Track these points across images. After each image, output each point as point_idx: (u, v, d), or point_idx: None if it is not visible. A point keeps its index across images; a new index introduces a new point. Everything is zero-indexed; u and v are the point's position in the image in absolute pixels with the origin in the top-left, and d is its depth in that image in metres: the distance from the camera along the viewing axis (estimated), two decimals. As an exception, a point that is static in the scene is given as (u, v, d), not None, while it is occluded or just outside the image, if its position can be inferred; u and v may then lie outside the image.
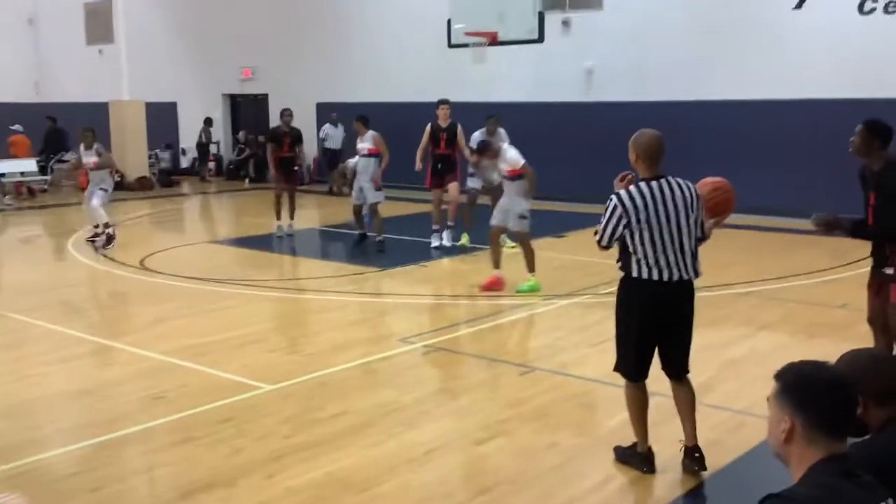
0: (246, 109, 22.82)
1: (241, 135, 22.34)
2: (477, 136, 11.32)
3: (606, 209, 4.41)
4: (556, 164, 16.29)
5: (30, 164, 19.61)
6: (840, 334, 7.24)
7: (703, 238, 4.55)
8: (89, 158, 12.03)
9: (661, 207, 4.35)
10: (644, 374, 4.59)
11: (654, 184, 4.40)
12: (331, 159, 19.01)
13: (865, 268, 5.55)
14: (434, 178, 11.54)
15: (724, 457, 4.76)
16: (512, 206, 8.87)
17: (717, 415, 5.34)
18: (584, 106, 16.15)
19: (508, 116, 16.02)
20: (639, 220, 4.34)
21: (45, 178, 19.93)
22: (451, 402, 5.99)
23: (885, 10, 13.16)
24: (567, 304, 8.66)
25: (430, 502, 4.41)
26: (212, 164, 22.47)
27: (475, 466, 4.95)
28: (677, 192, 4.40)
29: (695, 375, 4.73)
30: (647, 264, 4.38)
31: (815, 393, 2.24)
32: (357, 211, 11.92)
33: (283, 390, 6.09)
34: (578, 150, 16.06)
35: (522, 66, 16.44)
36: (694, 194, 4.46)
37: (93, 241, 11.94)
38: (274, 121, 16.95)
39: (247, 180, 21.27)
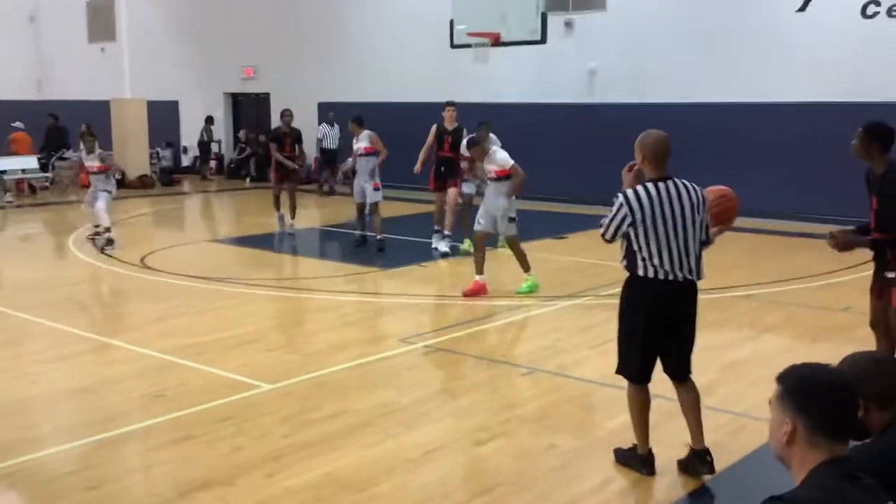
0: (247, 108, 22.83)
1: (242, 134, 22.34)
2: (465, 144, 11.17)
3: (613, 206, 4.44)
4: (557, 165, 16.31)
5: (31, 162, 19.61)
6: (842, 337, 7.22)
7: (707, 242, 4.55)
8: (92, 163, 12.04)
9: (667, 208, 4.36)
10: (648, 376, 4.58)
11: (660, 185, 4.41)
12: (329, 159, 18.97)
13: (867, 271, 5.54)
14: (437, 181, 11.43)
15: (725, 459, 4.74)
16: (498, 209, 8.81)
17: (718, 417, 5.32)
18: (586, 107, 16.14)
19: (510, 117, 16.08)
20: (644, 220, 4.35)
21: (46, 175, 19.92)
22: (451, 402, 5.97)
23: (889, 13, 13.15)
24: (567, 306, 8.64)
25: (428, 503, 4.39)
26: (213, 163, 22.46)
27: (474, 467, 4.94)
28: (684, 194, 4.41)
29: (696, 377, 4.71)
30: (653, 264, 4.39)
31: (816, 396, 2.22)
32: (361, 210, 11.92)
33: (281, 389, 6.07)
34: (580, 152, 16.05)
35: (525, 67, 16.44)
36: (700, 196, 4.47)
37: (93, 239, 11.96)
38: (275, 120, 16.94)
39: (248, 179, 21.27)
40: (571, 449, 5.06)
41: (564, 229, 13.16)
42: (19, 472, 4.77)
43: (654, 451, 4.68)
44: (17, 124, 20.58)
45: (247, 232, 13.90)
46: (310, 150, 18.80)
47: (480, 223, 8.90)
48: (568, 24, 16.17)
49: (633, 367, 4.59)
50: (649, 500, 4.58)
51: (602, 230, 4.54)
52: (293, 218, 13.25)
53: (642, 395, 4.61)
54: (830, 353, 3.08)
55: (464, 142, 10.76)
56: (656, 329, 4.47)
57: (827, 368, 2.31)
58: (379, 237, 11.71)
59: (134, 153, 19.91)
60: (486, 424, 5.41)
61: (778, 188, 13.63)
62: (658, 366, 4.61)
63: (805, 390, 2.24)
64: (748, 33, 14.29)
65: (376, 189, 11.65)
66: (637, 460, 4.66)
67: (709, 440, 4.65)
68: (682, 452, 4.69)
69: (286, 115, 13.36)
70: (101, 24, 24.44)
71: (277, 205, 13.32)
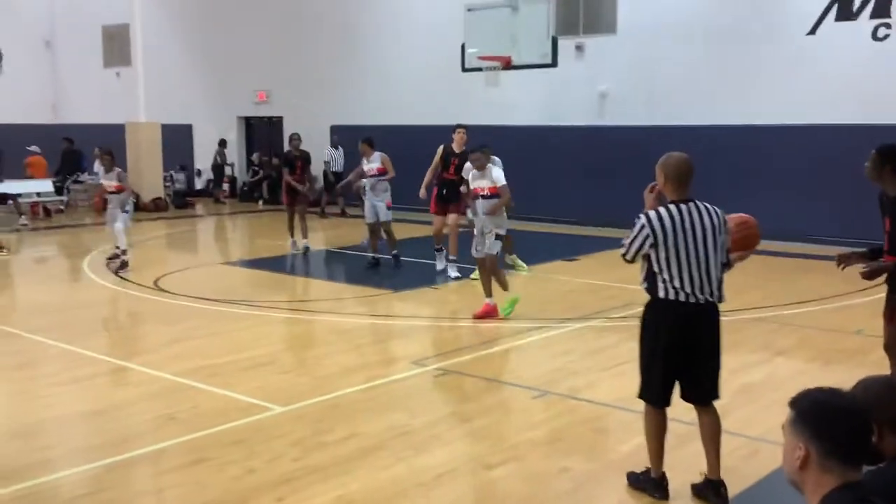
0: (260, 132, 22.99)
1: (255, 157, 22.48)
2: (469, 166, 11.05)
3: (635, 226, 4.45)
4: (568, 187, 16.35)
5: (46, 185, 19.79)
6: (855, 361, 7.18)
7: (727, 265, 4.55)
8: (110, 182, 12.11)
9: (688, 230, 4.37)
10: (668, 400, 4.55)
11: (682, 206, 4.42)
12: (335, 182, 18.94)
13: (879, 294, 5.52)
14: (438, 204, 11.27)
15: (739, 484, 4.71)
16: (487, 227, 8.81)
17: (731, 441, 5.28)
18: (596, 129, 16.18)
19: (522, 140, 16.15)
20: (665, 241, 4.36)
21: (61, 198, 20.09)
22: (462, 425, 5.96)
23: (900, 35, 13.17)
24: (579, 328, 8.62)
25: (440, 527, 4.38)
26: (226, 186, 22.60)
27: (486, 491, 4.92)
28: (705, 216, 4.42)
29: (709, 401, 4.69)
30: (674, 286, 4.38)
31: (830, 420, 2.22)
32: (372, 230, 12.07)
33: (294, 412, 6.08)
34: (591, 174, 16.08)
35: (536, 90, 16.52)
36: (721, 219, 4.48)
37: (111, 260, 12.03)
38: (288, 143, 17.06)
39: (260, 202, 21.37)
40: (584, 472, 5.04)
41: (576, 251, 13.17)
42: (32, 495, 4.78)
43: (668, 475, 4.65)
44: (33, 148, 20.80)
45: (259, 254, 13.96)
46: (321, 174, 18.92)
47: (478, 249, 8.89)
48: (578, 48, 16.26)
49: (654, 391, 4.55)
50: (662, 525, 4.55)
51: (623, 250, 4.53)
52: (305, 237, 13.44)
53: (660, 418, 4.58)
54: (843, 377, 3.07)
55: (467, 164, 10.67)
56: (678, 352, 4.44)
57: (840, 393, 2.30)
58: (394, 252, 12.01)
59: (148, 176, 20.06)
60: (497, 447, 5.40)
61: (790, 210, 13.60)
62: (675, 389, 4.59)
63: (818, 415, 2.24)
64: (759, 56, 14.33)
65: (389, 208, 11.93)
66: (651, 484, 4.64)
67: (722, 464, 4.62)
68: (696, 477, 4.66)
69: (294, 138, 13.78)
70: (117, 49, 24.72)
71: (292, 230, 13.52)
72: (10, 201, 17.37)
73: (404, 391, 6.76)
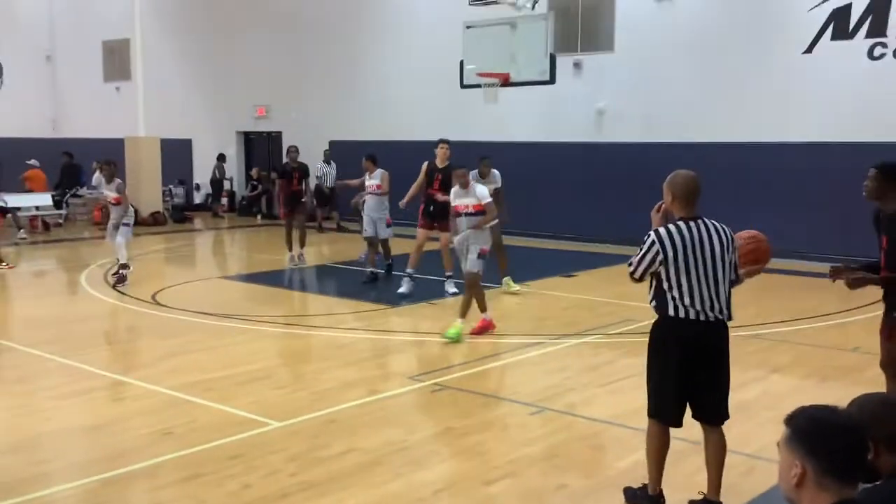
0: (259, 147, 23.05)
1: (254, 171, 22.53)
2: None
3: (643, 244, 4.44)
4: (566, 203, 16.39)
5: (45, 199, 19.81)
6: (852, 378, 7.19)
7: (736, 281, 4.56)
8: (109, 193, 12.11)
9: (697, 247, 4.38)
10: (682, 419, 4.53)
11: (691, 223, 4.43)
12: (327, 197, 18.95)
13: (875, 311, 5.53)
14: (424, 219, 11.17)
15: (735, 501, 4.71)
16: (471, 244, 8.73)
17: (728, 458, 5.24)
18: (594, 146, 16.25)
19: (520, 156, 16.20)
20: (675, 259, 4.35)
21: (59, 212, 20.10)
22: (460, 441, 5.95)
23: (895, 55, 13.24)
24: (576, 344, 8.63)
25: (437, 543, 4.37)
26: (224, 201, 22.64)
27: (483, 507, 4.91)
28: (714, 234, 4.43)
29: (705, 418, 4.69)
30: (684, 304, 4.38)
31: (826, 438, 2.23)
32: (371, 243, 12.23)
33: (290, 427, 6.07)
34: (589, 190, 16.14)
35: (534, 107, 16.59)
36: (729, 237, 4.50)
37: (114, 276, 12.00)
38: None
39: (259, 216, 21.41)
40: (581, 489, 5.04)
41: (573, 267, 13.19)
42: (29, 509, 4.77)
43: (665, 492, 4.65)
44: (32, 162, 20.84)
45: (257, 269, 13.97)
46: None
47: (473, 265, 8.75)
48: (577, 65, 16.34)
49: (669, 410, 4.51)
50: (659, 542, 4.54)
51: (631, 268, 4.50)
52: (302, 247, 13.63)
53: (665, 437, 4.57)
54: (839, 394, 3.09)
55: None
56: (690, 370, 4.41)
57: (836, 410, 2.31)
58: (388, 262, 12.30)
59: (147, 190, 20.08)
60: (495, 463, 5.39)
61: (786, 227, 13.60)
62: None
63: (814, 433, 2.25)
64: (755, 74, 14.41)
65: (388, 226, 12.17)
66: (649, 501, 4.63)
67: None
68: (693, 494, 4.66)
69: (292, 150, 13.99)
70: (117, 64, 24.82)
71: (290, 244, 13.64)
72: (9, 214, 17.38)
73: (402, 407, 6.76)
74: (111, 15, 23.82)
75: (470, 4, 14.37)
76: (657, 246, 4.39)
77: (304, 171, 13.81)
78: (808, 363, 7.89)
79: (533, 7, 13.37)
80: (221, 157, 22.65)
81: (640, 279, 4.51)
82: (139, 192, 19.58)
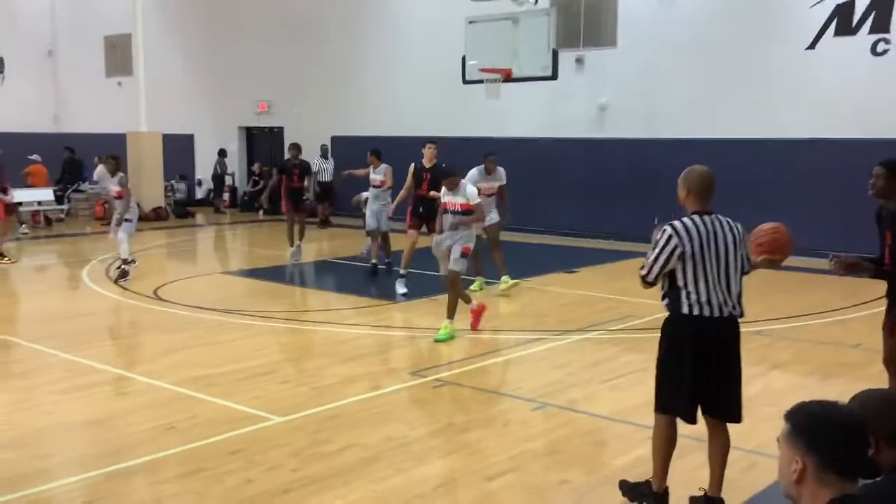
0: (261, 142, 23.05)
1: (255, 167, 22.53)
2: (474, 173, 10.71)
3: (658, 241, 4.35)
4: (567, 199, 16.39)
5: (47, 194, 19.82)
6: (854, 374, 7.19)
7: (748, 269, 4.52)
8: (112, 187, 12.10)
9: (712, 241, 4.35)
10: (696, 415, 4.49)
11: (706, 218, 4.39)
12: (324, 192, 18.95)
13: (878, 308, 5.53)
14: (413, 220, 10.95)
15: (736, 497, 4.71)
16: (456, 243, 8.59)
17: (729, 454, 5.28)
18: (596, 142, 16.23)
19: (521, 152, 16.18)
20: (693, 254, 4.31)
21: (61, 207, 20.11)
22: (461, 436, 5.96)
23: (898, 50, 13.23)
24: (578, 340, 8.63)
25: (438, 538, 4.38)
26: (226, 196, 22.65)
27: (485, 503, 4.92)
28: (727, 229, 4.41)
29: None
30: (699, 301, 4.33)
31: (826, 433, 2.23)
32: (373, 236, 12.38)
33: (292, 422, 6.08)
34: (590, 186, 16.13)
35: (536, 103, 16.58)
36: (741, 233, 4.47)
37: (118, 271, 11.96)
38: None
39: (261, 212, 21.40)
40: (583, 484, 5.04)
41: (574, 263, 13.18)
42: (31, 504, 4.78)
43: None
44: (34, 157, 20.84)
45: (259, 264, 13.98)
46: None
47: (455, 264, 8.62)
48: (579, 61, 16.32)
49: (685, 407, 4.45)
50: (660, 538, 4.54)
51: (644, 270, 4.39)
52: (301, 239, 13.73)
53: (673, 432, 4.53)
54: (841, 390, 3.09)
55: (469, 174, 10.45)
56: (705, 367, 4.37)
57: (836, 406, 2.31)
58: (387, 259, 12.35)
59: (149, 186, 20.09)
60: (496, 459, 5.40)
61: (788, 224, 13.50)
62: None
63: (814, 428, 2.25)
64: (758, 69, 14.38)
65: (390, 219, 12.34)
66: (653, 498, 4.59)
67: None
68: (693, 490, 4.66)
69: (293, 147, 14.09)
70: (118, 59, 24.80)
71: (291, 239, 13.73)
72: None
73: (403, 402, 6.77)
74: (112, 10, 23.80)
75: (472, 0, 14.34)
76: (675, 239, 4.31)
77: (304, 168, 13.95)
78: (810, 359, 7.89)
79: (535, 2, 13.34)
80: (222, 153, 22.66)
81: (654, 282, 4.42)
82: (141, 188, 19.58)
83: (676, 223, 4.37)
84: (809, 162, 13.77)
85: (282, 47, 21.21)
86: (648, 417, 4.70)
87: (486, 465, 5.31)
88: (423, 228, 10.88)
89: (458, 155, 11.78)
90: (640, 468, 4.85)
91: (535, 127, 16.92)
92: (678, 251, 4.32)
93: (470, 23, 13.68)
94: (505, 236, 11.42)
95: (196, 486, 4.99)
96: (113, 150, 16.50)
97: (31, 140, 23.03)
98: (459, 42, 13.96)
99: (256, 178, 22.25)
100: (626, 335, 8.69)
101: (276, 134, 22.11)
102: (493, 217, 10.89)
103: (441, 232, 8.82)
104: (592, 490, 4.98)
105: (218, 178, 22.75)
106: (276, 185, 14.41)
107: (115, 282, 11.66)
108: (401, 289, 10.85)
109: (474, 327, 8.82)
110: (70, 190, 20.69)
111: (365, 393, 6.82)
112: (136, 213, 12.38)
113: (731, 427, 4.61)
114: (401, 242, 12.32)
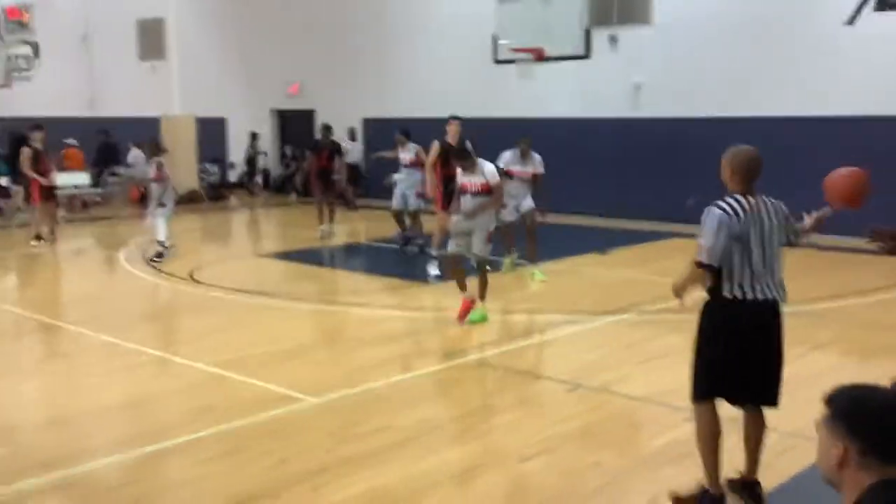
0: (293, 125, 23.12)
1: (288, 150, 22.62)
2: (507, 155, 10.51)
3: (707, 223, 4.18)
4: (602, 179, 16.25)
5: (83, 178, 20.08)
6: (893, 356, 7.07)
7: (796, 242, 4.47)
8: (150, 170, 12.24)
9: (757, 223, 4.22)
10: (738, 396, 4.40)
11: (750, 199, 4.25)
12: (352, 174, 18.94)
13: (920, 288, 5.42)
14: (445, 199, 10.63)
15: (773, 480, 4.67)
16: (477, 227, 8.26)
17: (764, 436, 5.23)
18: (631, 122, 16.05)
19: (555, 132, 16.05)
20: (741, 235, 4.17)
21: (97, 190, 20.38)
22: (495, 418, 5.97)
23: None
24: (612, 321, 8.58)
25: (472, 519, 4.39)
26: (259, 179, 22.80)
27: (518, 484, 4.92)
28: (771, 211, 4.29)
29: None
30: (741, 284, 4.20)
31: (867, 418, 2.19)
32: (397, 216, 12.48)
33: (327, 404, 6.12)
34: (625, 166, 15.97)
35: (569, 82, 16.42)
36: (784, 214, 4.36)
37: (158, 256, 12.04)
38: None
39: (293, 194, 21.51)
40: (616, 467, 5.02)
41: (608, 244, 13.08)
42: (70, 484, 4.87)
43: (691, 470, 4.53)
44: (70, 141, 21.10)
45: (292, 247, 14.06)
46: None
47: (454, 245, 8.37)
48: (612, 39, 16.10)
49: (727, 390, 4.32)
50: (696, 520, 4.51)
51: (703, 256, 4.18)
52: (332, 221, 13.99)
53: (716, 419, 4.33)
54: (880, 373, 3.03)
55: (502, 156, 10.36)
56: (746, 353, 4.26)
57: (877, 389, 2.26)
58: (420, 242, 12.26)
59: (183, 169, 20.23)
60: (530, 441, 5.39)
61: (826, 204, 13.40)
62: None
63: (856, 412, 2.20)
64: (795, 46, 14.11)
65: (418, 196, 12.29)
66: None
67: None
68: (730, 472, 4.61)
69: (325, 128, 14.34)
70: (152, 43, 24.95)
71: (321, 218, 13.91)
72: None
73: (437, 384, 6.78)
74: (146, -6, 23.95)
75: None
76: (726, 218, 4.13)
77: (335, 148, 14.08)
78: (850, 341, 7.78)
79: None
80: (254, 136, 22.78)
81: (716, 268, 4.17)
82: (175, 171, 19.69)
83: (722, 202, 4.23)
84: (849, 139, 13.45)
85: (313, 29, 21.20)
86: (684, 399, 4.65)
87: (520, 446, 5.31)
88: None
89: (490, 136, 11.71)
90: (675, 450, 4.81)
91: (568, 107, 16.74)
92: (733, 230, 4.15)
93: (500, 2, 13.60)
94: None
95: (232, 466, 5.05)
96: (147, 133, 16.69)
97: (67, 124, 23.31)
98: (490, 22, 13.88)
99: (289, 161, 22.33)
100: (661, 317, 8.61)
101: (307, 116, 22.16)
102: (528, 203, 10.59)
103: (461, 214, 8.35)
104: (626, 472, 4.96)
105: (250, 161, 22.89)
106: (310, 167, 14.61)
107: (149, 262, 11.79)
108: (433, 270, 10.80)
109: (462, 318, 8.38)
110: (106, 173, 20.94)
111: (398, 374, 6.85)
112: (172, 197, 12.51)
113: (768, 410, 4.55)
114: (428, 223, 12.34)
